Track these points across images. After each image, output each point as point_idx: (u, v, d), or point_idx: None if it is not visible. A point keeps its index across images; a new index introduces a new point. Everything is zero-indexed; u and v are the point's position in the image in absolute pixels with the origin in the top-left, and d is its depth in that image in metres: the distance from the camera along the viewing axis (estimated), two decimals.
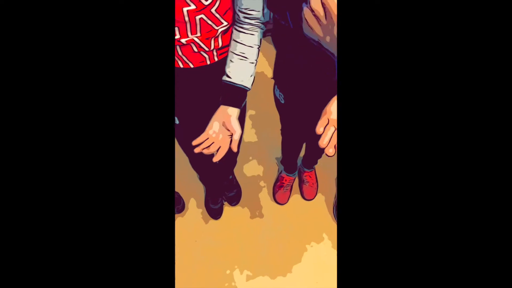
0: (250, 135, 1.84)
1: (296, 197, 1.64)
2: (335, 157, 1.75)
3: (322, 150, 1.49)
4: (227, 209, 1.58)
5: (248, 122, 1.87)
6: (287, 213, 1.59)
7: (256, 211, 1.59)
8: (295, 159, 1.53)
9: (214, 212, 1.52)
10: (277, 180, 1.66)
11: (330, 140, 0.57)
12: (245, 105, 1.06)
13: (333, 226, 1.55)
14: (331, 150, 0.55)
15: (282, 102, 1.06)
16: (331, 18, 0.47)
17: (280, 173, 1.65)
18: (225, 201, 1.58)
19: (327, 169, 1.72)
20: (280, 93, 1.04)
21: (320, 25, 0.50)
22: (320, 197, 1.64)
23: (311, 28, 0.51)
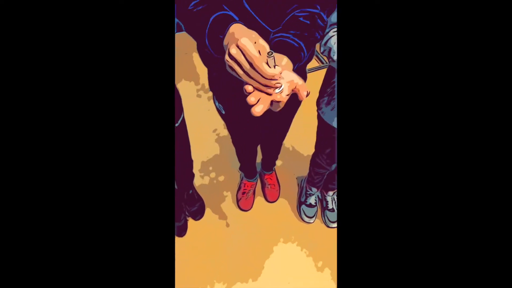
0: (212, 146, 1.83)
1: (260, 202, 1.65)
2: (305, 159, 1.78)
3: (277, 151, 1.52)
4: (191, 224, 1.56)
5: (210, 133, 1.87)
6: (253, 219, 1.59)
7: (222, 222, 1.58)
8: (253, 164, 1.53)
9: (178, 229, 1.50)
10: (239, 188, 1.66)
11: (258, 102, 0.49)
12: (183, 118, 1.05)
13: (298, 225, 1.57)
14: (257, 109, 0.48)
15: (223, 112, 1.06)
16: (253, 64, 0.47)
17: (242, 180, 1.65)
18: (188, 216, 1.56)
19: (287, 170, 1.74)
20: (219, 104, 1.04)
21: (242, 70, 0.50)
22: (283, 198, 1.66)
23: (235, 71, 0.51)
